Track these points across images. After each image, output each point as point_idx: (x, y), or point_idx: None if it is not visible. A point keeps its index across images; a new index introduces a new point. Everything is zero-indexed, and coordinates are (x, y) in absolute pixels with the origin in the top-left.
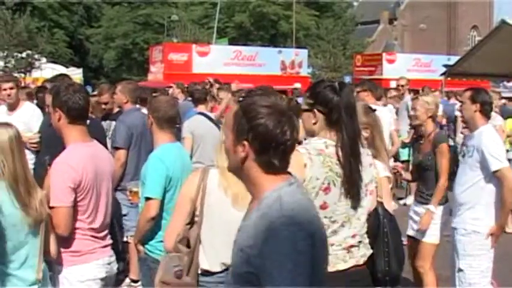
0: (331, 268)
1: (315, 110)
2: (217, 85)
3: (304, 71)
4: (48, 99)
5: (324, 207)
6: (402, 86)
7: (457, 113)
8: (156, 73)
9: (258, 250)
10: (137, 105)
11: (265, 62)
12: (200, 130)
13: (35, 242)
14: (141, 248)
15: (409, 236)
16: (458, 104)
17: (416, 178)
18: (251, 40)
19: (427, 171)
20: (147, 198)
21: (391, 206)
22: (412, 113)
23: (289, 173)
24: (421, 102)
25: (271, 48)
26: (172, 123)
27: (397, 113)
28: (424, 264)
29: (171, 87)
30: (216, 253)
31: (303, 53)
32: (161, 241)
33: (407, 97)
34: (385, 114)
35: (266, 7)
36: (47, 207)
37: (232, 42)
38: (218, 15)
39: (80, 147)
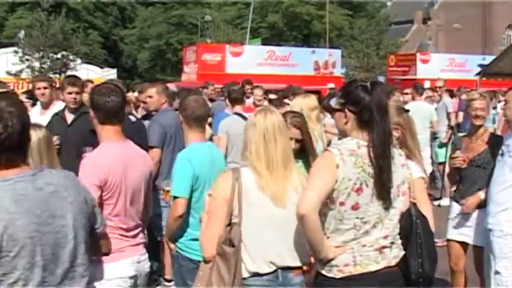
0: (362, 269)
1: (346, 110)
2: (248, 86)
3: (338, 71)
4: None
5: (355, 207)
6: (440, 87)
7: (500, 112)
8: (189, 73)
9: None
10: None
11: (299, 62)
12: (235, 130)
13: None
14: (172, 245)
15: (452, 240)
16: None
17: (465, 178)
18: (284, 40)
19: (480, 168)
20: (175, 197)
21: (429, 207)
22: (477, 113)
23: (21, 167)
24: (486, 103)
25: (304, 48)
26: (201, 122)
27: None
28: (478, 268)
29: (205, 87)
30: (262, 253)
31: (337, 53)
32: (191, 239)
33: (446, 98)
34: None
35: (299, 7)
36: None
37: (265, 42)
38: (251, 15)
39: (110, 146)
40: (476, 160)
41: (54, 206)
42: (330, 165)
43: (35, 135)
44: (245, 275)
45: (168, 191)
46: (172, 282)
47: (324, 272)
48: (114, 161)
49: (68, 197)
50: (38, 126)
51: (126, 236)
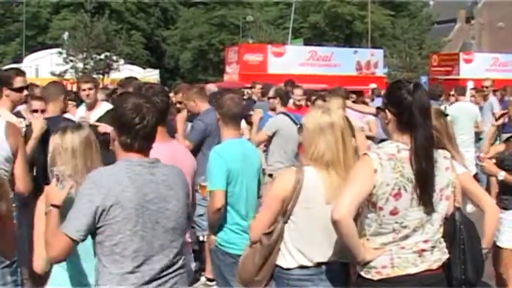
0: (400, 271)
1: (387, 110)
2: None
3: (380, 71)
4: None
5: (394, 212)
6: (487, 87)
7: None
8: (231, 74)
9: None
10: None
11: (341, 62)
12: (285, 127)
13: None
14: (212, 237)
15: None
16: None
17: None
18: (326, 40)
19: (506, 171)
20: (212, 192)
21: (484, 193)
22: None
23: (146, 155)
24: None
25: (346, 48)
26: (236, 120)
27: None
28: (505, 270)
29: (247, 87)
30: (313, 251)
31: (379, 53)
32: (229, 232)
33: (492, 98)
34: None
35: (341, 7)
36: None
37: (307, 42)
38: (293, 15)
39: (158, 146)
40: (505, 160)
41: (162, 191)
42: (368, 170)
43: (77, 137)
44: (293, 265)
45: (205, 186)
46: (215, 282)
47: (362, 273)
48: (164, 161)
49: (174, 187)
50: (81, 127)
51: None
